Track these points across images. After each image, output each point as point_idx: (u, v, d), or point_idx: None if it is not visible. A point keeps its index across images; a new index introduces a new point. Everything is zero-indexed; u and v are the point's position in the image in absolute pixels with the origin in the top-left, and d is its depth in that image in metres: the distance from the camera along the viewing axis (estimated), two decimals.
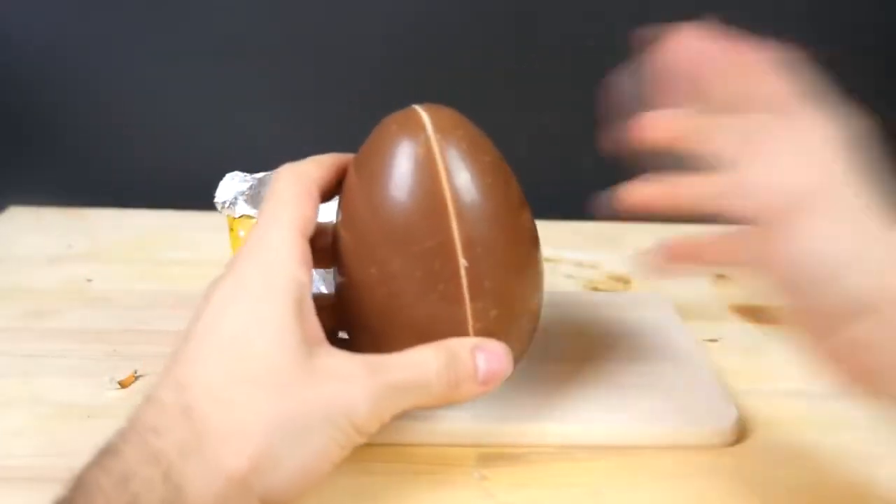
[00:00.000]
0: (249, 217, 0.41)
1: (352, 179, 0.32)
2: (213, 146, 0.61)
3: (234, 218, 0.42)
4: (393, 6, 0.58)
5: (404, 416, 0.34)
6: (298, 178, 0.32)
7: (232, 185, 0.42)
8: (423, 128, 0.31)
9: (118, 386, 0.37)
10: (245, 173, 0.43)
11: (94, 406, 0.36)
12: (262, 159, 0.61)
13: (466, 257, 0.30)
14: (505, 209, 0.31)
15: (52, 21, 0.58)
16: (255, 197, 0.42)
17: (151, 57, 0.59)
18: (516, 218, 0.32)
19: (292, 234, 0.29)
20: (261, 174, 0.43)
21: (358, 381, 0.28)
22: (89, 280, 0.48)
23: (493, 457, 0.33)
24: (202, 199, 0.58)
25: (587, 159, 0.60)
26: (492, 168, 0.31)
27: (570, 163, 0.60)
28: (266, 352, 0.27)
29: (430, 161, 0.30)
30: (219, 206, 0.42)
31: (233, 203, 0.42)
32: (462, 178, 0.31)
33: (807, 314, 0.28)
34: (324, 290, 0.40)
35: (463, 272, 0.30)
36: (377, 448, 0.33)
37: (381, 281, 0.30)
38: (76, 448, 0.30)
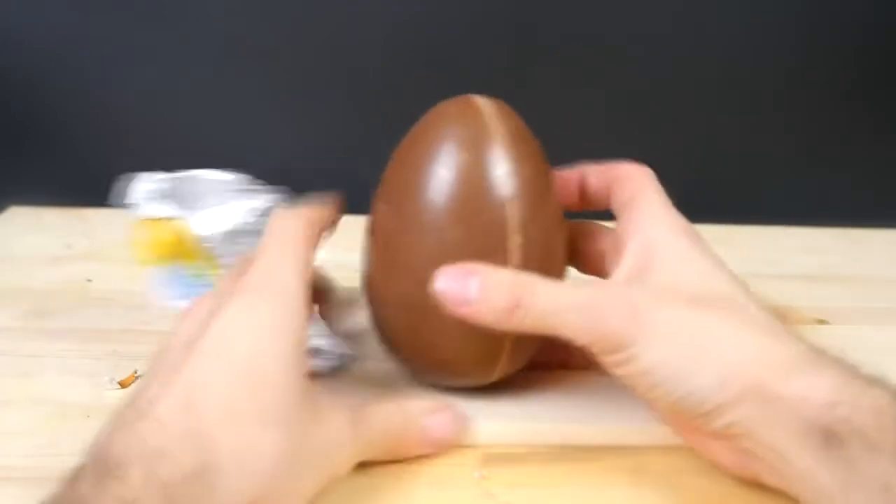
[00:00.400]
0: (163, 219, 0.38)
1: (406, 156, 0.33)
2: (214, 146, 0.61)
3: (146, 219, 0.38)
4: (395, 7, 0.58)
5: None
6: (306, 222, 0.32)
7: (145, 184, 0.39)
8: (479, 109, 0.33)
9: (118, 386, 0.37)
10: (162, 173, 0.39)
11: (93, 406, 0.36)
12: (263, 159, 0.61)
13: (521, 234, 0.32)
14: (549, 192, 0.33)
15: (53, 21, 0.58)
16: (173, 196, 0.38)
17: (152, 57, 0.59)
18: (556, 203, 0.34)
19: (302, 275, 0.30)
20: (181, 173, 0.39)
21: (346, 423, 0.30)
22: (89, 280, 0.48)
23: (493, 457, 0.33)
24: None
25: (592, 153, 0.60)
26: (538, 151, 0.34)
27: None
28: (278, 384, 0.27)
29: (487, 139, 0.32)
30: (130, 207, 0.38)
31: (147, 201, 0.38)
32: (518, 154, 0.32)
33: (669, 413, 0.31)
34: None
35: (517, 248, 0.31)
36: None
37: (441, 253, 0.31)
38: (76, 448, 0.30)
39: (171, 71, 0.60)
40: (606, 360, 0.30)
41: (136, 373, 0.38)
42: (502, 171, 0.32)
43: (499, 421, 0.34)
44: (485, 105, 0.33)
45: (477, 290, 0.30)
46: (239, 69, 0.60)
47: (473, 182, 0.32)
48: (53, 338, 0.41)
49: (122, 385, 0.37)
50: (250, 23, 0.59)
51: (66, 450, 0.33)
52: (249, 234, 0.37)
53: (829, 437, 0.26)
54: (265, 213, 0.37)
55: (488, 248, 0.31)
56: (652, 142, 0.62)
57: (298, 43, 0.59)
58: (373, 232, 0.35)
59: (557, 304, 0.30)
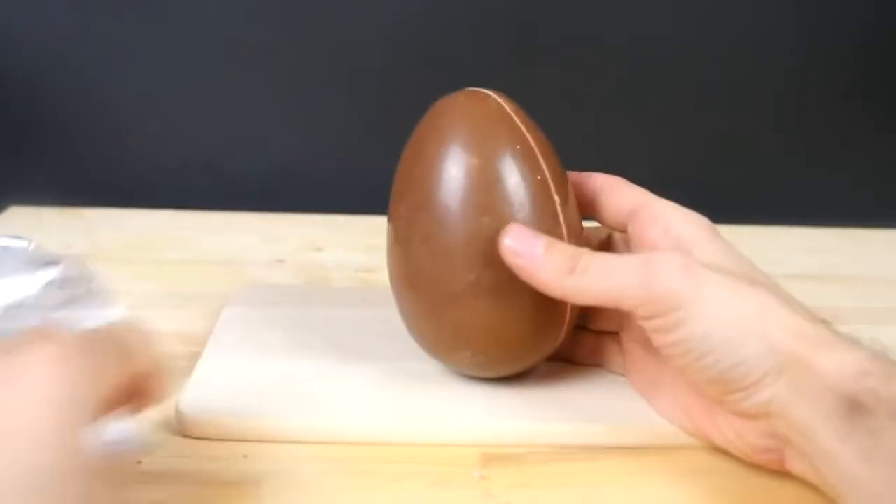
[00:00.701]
0: None
1: (426, 147, 0.34)
2: (214, 146, 0.62)
3: None
4: (395, 7, 0.58)
5: (403, 415, 0.34)
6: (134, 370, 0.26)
7: None
8: (487, 95, 0.34)
9: None
10: None
11: None
12: (260, 159, 0.61)
13: (558, 194, 0.33)
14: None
15: (52, 21, 0.58)
16: None
17: (151, 56, 0.59)
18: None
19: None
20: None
21: None
22: None
23: (493, 457, 0.33)
24: (202, 199, 0.59)
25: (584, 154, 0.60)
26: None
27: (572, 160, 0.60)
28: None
29: (506, 114, 0.34)
30: None
31: None
32: (533, 129, 0.34)
33: (711, 384, 0.30)
34: None
35: (559, 209, 0.33)
36: (376, 448, 0.33)
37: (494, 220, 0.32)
38: None
39: (170, 71, 0.60)
40: (656, 323, 0.30)
41: None
42: (527, 136, 0.33)
43: (499, 421, 0.34)
44: (497, 98, 0.34)
45: (542, 250, 0.31)
46: (238, 69, 0.60)
47: (509, 151, 0.33)
48: None
49: None
50: (250, 23, 0.59)
51: None
52: (31, 308, 0.31)
53: (856, 408, 0.26)
54: (51, 285, 0.32)
55: (539, 210, 0.33)
56: (651, 142, 0.62)
57: (298, 43, 0.59)
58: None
59: (612, 266, 0.31)
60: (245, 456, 0.33)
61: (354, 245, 0.55)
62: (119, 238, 0.54)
